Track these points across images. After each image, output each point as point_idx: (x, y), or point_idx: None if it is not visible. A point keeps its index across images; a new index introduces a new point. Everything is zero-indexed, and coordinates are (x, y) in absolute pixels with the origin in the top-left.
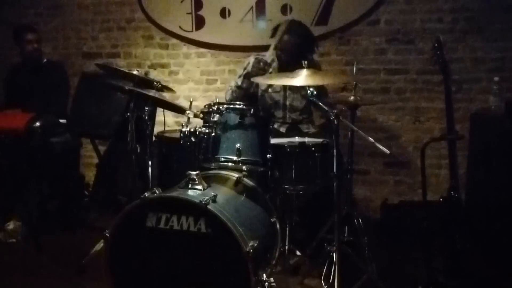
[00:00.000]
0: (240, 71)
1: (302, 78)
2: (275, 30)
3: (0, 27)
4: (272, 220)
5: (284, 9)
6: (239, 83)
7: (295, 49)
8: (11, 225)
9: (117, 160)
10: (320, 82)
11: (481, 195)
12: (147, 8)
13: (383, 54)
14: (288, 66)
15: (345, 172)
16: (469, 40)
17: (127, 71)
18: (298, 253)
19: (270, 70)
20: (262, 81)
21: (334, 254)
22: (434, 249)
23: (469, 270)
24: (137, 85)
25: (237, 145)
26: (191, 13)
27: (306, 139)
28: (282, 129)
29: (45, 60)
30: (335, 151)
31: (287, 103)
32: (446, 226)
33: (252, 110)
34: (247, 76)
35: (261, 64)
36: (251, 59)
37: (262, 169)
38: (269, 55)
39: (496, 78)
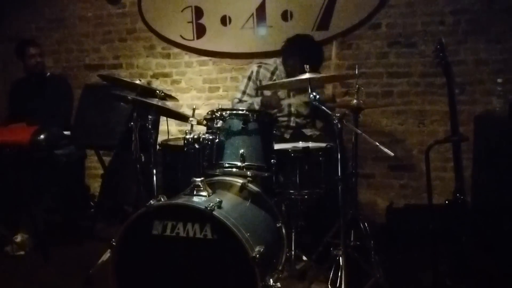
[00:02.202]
0: (245, 80)
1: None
2: (285, 51)
3: (2, 43)
4: (277, 225)
5: (285, 15)
6: (255, 105)
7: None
8: (18, 238)
9: (122, 170)
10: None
11: (487, 197)
12: (148, 18)
13: (385, 57)
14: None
15: (350, 176)
16: (471, 42)
17: (129, 81)
18: (304, 258)
19: (274, 77)
20: (269, 88)
21: (340, 258)
22: (441, 252)
23: (476, 272)
24: (140, 94)
25: (241, 151)
26: (191, 22)
27: (310, 144)
28: (286, 135)
29: (48, 73)
30: (339, 155)
31: (292, 109)
32: (452, 229)
33: (255, 115)
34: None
35: (262, 75)
36: (254, 67)
37: (266, 174)
38: (271, 63)
39: (499, 80)
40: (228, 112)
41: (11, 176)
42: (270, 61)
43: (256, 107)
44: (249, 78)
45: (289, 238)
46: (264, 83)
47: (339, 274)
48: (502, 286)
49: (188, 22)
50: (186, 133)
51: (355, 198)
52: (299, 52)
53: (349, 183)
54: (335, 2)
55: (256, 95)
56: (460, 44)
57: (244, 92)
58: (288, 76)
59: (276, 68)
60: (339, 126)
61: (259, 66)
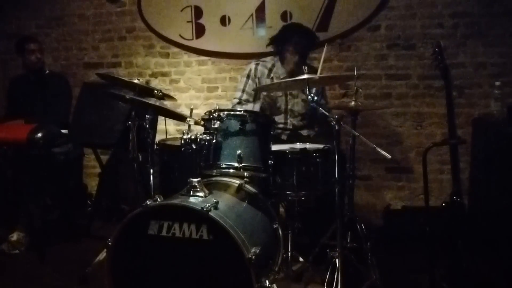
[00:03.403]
0: (243, 79)
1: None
2: (277, 38)
3: (2, 40)
4: (274, 226)
5: (284, 16)
6: (250, 100)
7: (307, 48)
8: (14, 236)
9: (119, 169)
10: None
11: (484, 200)
12: (147, 17)
13: (384, 59)
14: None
15: (347, 177)
16: (470, 45)
17: (128, 80)
18: (300, 259)
19: (272, 75)
20: (269, 89)
21: (337, 260)
22: (437, 255)
23: (472, 276)
24: (138, 94)
25: (238, 152)
26: (191, 22)
27: (308, 145)
28: (283, 137)
29: (47, 71)
30: (336, 156)
31: (288, 107)
32: (449, 232)
33: (252, 116)
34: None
35: (260, 72)
36: (252, 66)
37: (263, 175)
38: (269, 60)
39: (497, 83)
40: (225, 112)
41: (8, 174)
42: (268, 58)
43: None
44: (248, 76)
45: (285, 239)
46: (262, 80)
47: (336, 275)
48: None
49: (188, 22)
50: (183, 133)
51: (352, 200)
52: (301, 34)
53: (346, 184)
54: (335, 4)
55: (255, 98)
56: (459, 47)
57: (243, 91)
58: (292, 67)
59: (273, 65)
60: (336, 127)
61: (257, 64)
